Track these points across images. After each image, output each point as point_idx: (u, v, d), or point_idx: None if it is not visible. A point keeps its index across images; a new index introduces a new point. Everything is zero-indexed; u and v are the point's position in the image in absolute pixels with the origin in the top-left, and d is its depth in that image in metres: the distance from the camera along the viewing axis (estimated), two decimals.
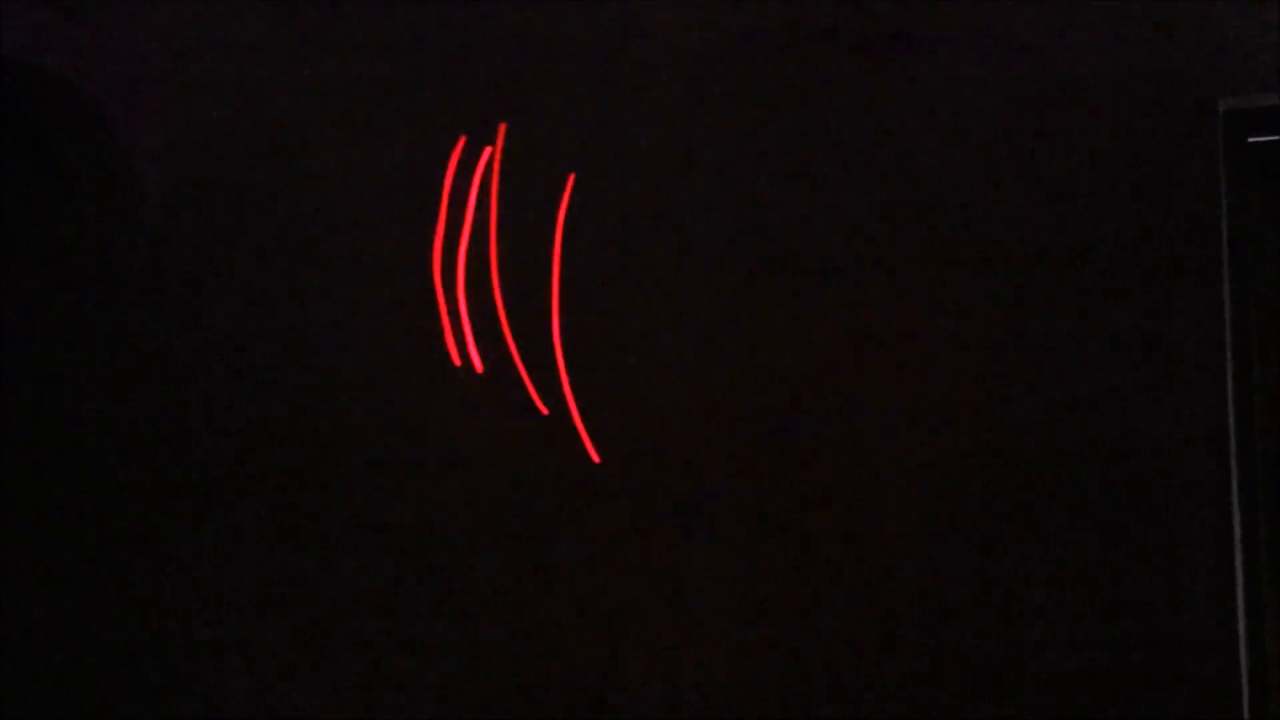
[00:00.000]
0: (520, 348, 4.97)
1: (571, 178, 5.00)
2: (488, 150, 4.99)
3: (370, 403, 5.12)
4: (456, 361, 4.95)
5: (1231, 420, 4.65)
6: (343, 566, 5.11)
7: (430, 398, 5.08)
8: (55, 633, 5.21)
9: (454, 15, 5.14)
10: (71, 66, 5.08)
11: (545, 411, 4.93)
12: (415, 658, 5.06)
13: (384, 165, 5.14)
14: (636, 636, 4.95)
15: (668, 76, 5.07)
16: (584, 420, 4.94)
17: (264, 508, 5.18)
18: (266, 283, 5.20)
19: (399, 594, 5.09)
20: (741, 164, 5.01)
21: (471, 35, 5.13)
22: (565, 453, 4.95)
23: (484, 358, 4.96)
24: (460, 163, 5.03)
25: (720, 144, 5.03)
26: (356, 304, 5.14)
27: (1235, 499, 4.62)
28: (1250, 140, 4.76)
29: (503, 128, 4.99)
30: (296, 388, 5.18)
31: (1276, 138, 4.76)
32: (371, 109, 5.17)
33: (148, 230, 5.23)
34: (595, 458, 4.93)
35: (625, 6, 5.09)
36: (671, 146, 5.06)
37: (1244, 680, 4.60)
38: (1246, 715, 4.58)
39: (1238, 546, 4.62)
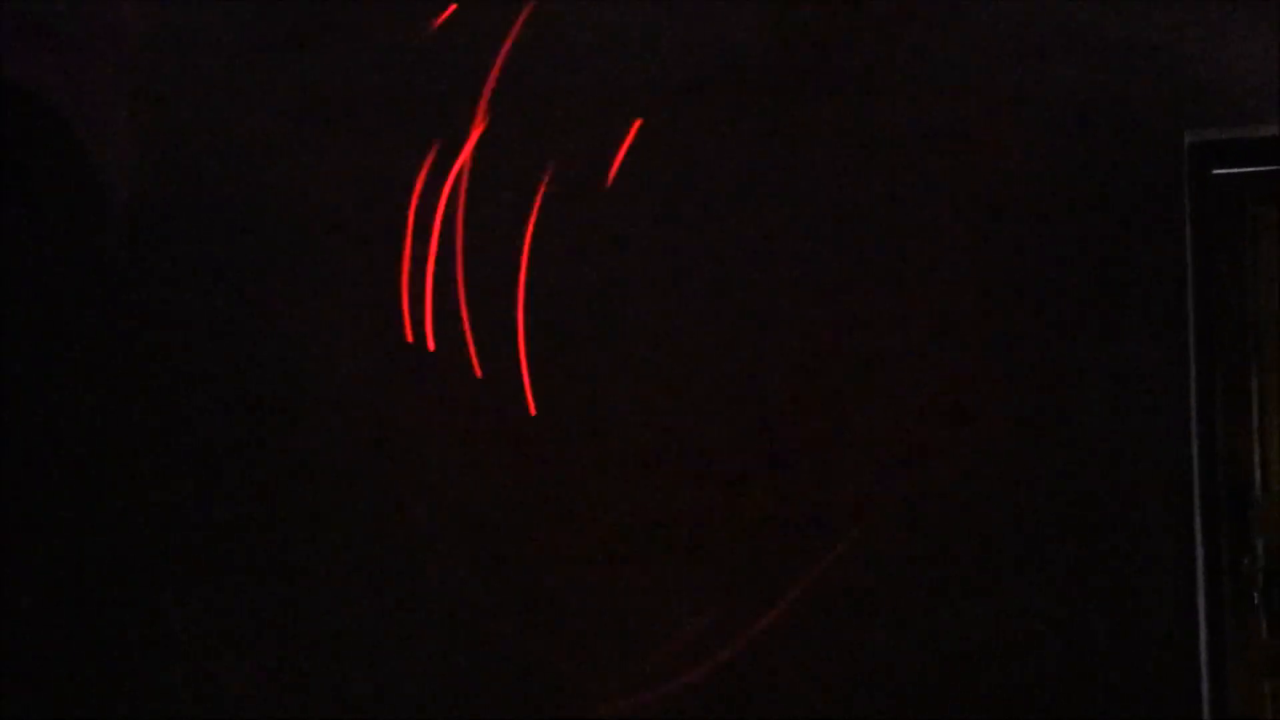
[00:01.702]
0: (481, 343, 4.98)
1: (542, 188, 4.99)
2: (461, 157, 4.97)
3: (345, 409, 5.11)
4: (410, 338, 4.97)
5: (1195, 448, 4.72)
6: (329, 572, 5.11)
7: (407, 405, 5.09)
8: (43, 636, 5.17)
9: (427, 24, 5.08)
10: (37, 80, 4.98)
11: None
12: (397, 665, 5.08)
13: (355, 174, 5.11)
14: (621, 650, 4.99)
15: (645, 97, 5.06)
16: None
17: (239, 513, 5.16)
18: (237, 292, 5.16)
19: (384, 599, 5.09)
20: (718, 189, 5.03)
21: (445, 46, 5.07)
22: (546, 463, 4.99)
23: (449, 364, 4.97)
24: (432, 171, 5.02)
25: (695, 168, 5.05)
26: (328, 312, 5.11)
27: (1198, 524, 4.71)
28: (1215, 172, 4.82)
29: (475, 133, 4.96)
30: (269, 395, 5.16)
31: (1241, 170, 4.82)
32: (341, 119, 5.13)
33: (116, 243, 5.17)
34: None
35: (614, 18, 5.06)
36: (645, 166, 5.05)
37: (1205, 703, 4.72)
38: None
39: (1200, 575, 4.71)
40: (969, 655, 4.78)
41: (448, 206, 5.00)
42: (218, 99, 5.21)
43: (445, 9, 5.05)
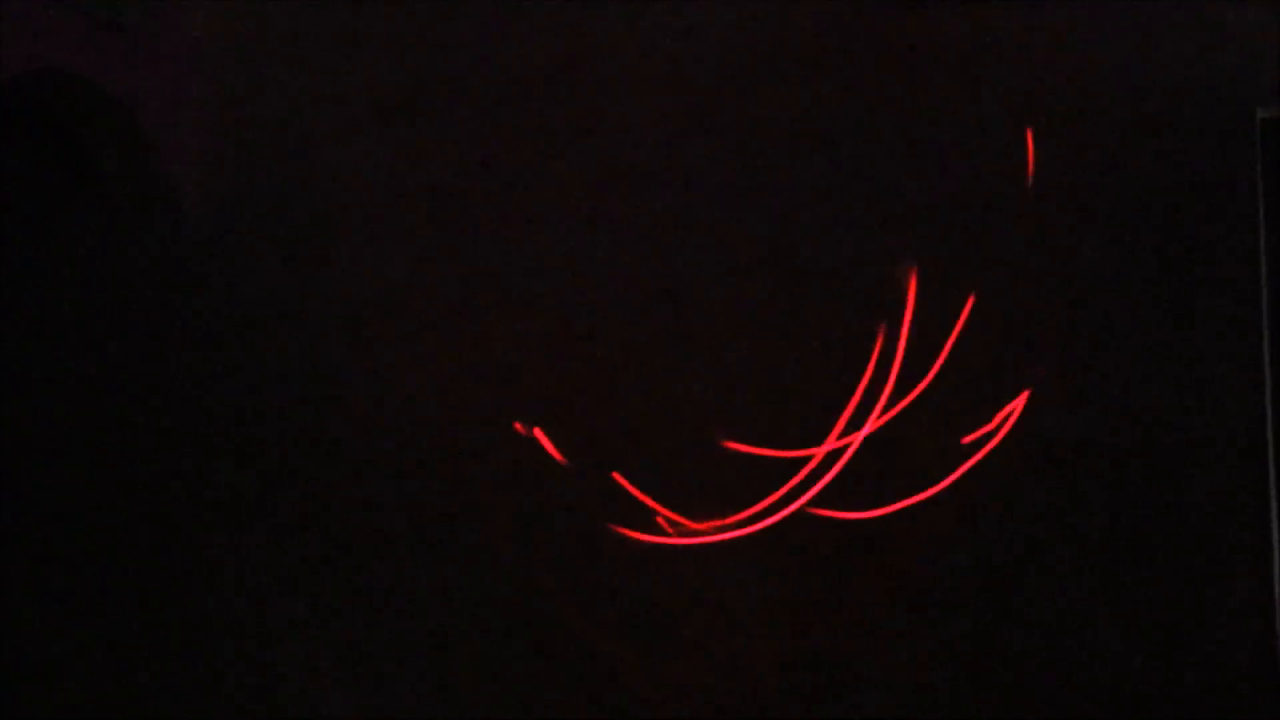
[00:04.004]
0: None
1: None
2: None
3: (398, 408, 5.13)
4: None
5: (1269, 426, 4.61)
6: (364, 570, 5.11)
7: (456, 402, 5.09)
8: (77, 631, 5.22)
9: (486, 22, 5.12)
10: (109, 78, 5.08)
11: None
12: (435, 660, 5.06)
13: (417, 171, 5.15)
14: (660, 646, 4.96)
15: (692, 86, 5.08)
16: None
17: (289, 508, 5.19)
18: (300, 288, 5.24)
19: (420, 596, 5.08)
20: (771, 171, 5.01)
21: (503, 42, 5.11)
22: (603, 453, 4.98)
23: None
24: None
25: (750, 150, 5.04)
26: (388, 309, 5.16)
27: (1274, 502, 4.59)
28: None
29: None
30: (326, 390, 5.18)
31: None
32: (404, 116, 5.19)
33: (184, 236, 5.25)
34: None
35: (649, 17, 5.08)
36: (695, 154, 5.07)
37: None
38: None
39: (1276, 551, 4.59)
40: (1033, 654, 4.72)
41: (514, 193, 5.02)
42: (284, 95, 5.28)
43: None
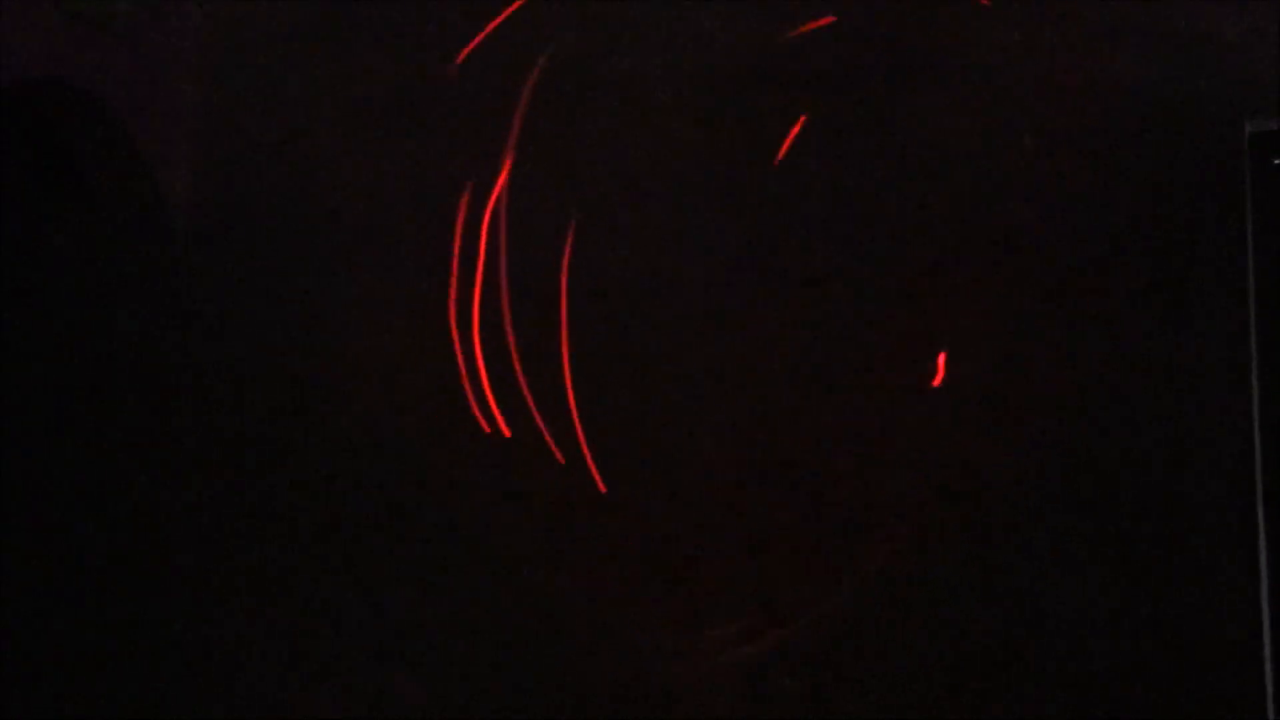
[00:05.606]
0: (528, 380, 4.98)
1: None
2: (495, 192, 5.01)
3: (387, 416, 5.15)
4: (486, 429, 4.96)
5: (1257, 442, 4.67)
6: (352, 576, 5.14)
7: (444, 413, 5.12)
8: (65, 632, 5.21)
9: (478, 28, 5.12)
10: (99, 85, 5.04)
11: (562, 461, 4.94)
12: (418, 670, 5.10)
13: (409, 179, 5.16)
14: (646, 662, 5.00)
15: (675, 93, 5.10)
16: (591, 447, 4.93)
17: (274, 516, 5.17)
18: (290, 297, 5.25)
19: (407, 606, 5.11)
20: (755, 185, 5.03)
21: (492, 48, 5.11)
22: (575, 476, 4.99)
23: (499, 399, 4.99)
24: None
25: (727, 162, 5.07)
26: (377, 318, 5.17)
27: (1261, 517, 4.65)
28: (1276, 162, 4.76)
29: (507, 164, 4.99)
30: (314, 398, 5.21)
31: None
32: (396, 123, 5.16)
33: (173, 245, 5.22)
34: (602, 487, 4.92)
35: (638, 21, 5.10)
36: (678, 165, 5.10)
37: (1270, 702, 4.63)
38: None
39: (1263, 568, 4.64)
40: (1017, 656, 4.79)
41: (492, 217, 5.04)
42: (276, 104, 5.27)
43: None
